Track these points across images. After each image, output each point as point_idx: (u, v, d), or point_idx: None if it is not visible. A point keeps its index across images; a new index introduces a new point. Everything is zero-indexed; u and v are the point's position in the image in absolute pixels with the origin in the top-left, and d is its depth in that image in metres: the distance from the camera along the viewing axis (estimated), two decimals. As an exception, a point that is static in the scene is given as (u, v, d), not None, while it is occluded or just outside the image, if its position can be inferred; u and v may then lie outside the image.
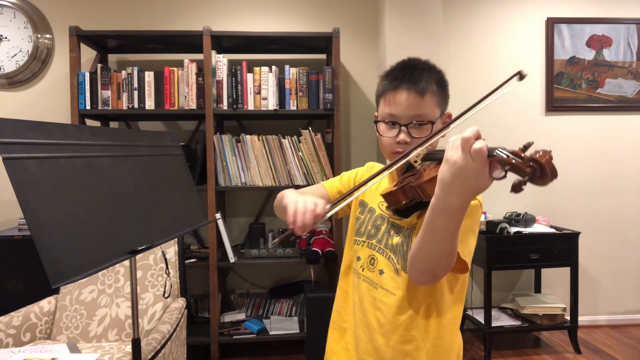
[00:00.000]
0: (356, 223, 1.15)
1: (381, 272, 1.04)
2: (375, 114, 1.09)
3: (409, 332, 1.01)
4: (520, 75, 0.85)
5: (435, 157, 0.88)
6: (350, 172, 1.24)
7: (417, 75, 0.99)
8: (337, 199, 0.93)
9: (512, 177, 0.69)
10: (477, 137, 0.71)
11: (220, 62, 2.74)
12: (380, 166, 1.14)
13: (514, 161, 0.65)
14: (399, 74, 1.01)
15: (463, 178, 0.73)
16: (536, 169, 0.63)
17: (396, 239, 1.03)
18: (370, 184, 0.93)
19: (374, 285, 1.05)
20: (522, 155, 0.66)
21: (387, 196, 0.94)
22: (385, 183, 1.12)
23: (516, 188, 0.64)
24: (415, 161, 0.91)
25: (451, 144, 0.74)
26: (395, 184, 0.94)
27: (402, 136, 0.99)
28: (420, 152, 0.90)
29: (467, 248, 0.93)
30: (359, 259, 1.10)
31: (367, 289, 1.06)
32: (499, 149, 0.69)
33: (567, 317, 2.95)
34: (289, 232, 0.89)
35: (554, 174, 0.62)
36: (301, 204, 0.87)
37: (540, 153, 0.63)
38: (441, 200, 0.78)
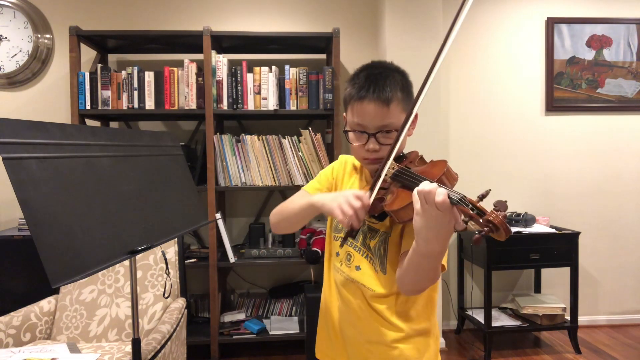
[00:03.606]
0: (334, 220, 1.20)
1: (358, 268, 1.10)
2: (344, 114, 1.11)
3: (390, 319, 1.07)
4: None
5: (402, 180, 0.95)
6: (326, 169, 1.27)
7: (381, 85, 1.01)
8: (371, 183, 0.98)
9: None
10: (435, 189, 0.77)
11: (220, 62, 2.74)
12: (351, 161, 1.22)
13: (472, 213, 0.73)
14: (364, 83, 1.03)
15: (437, 227, 0.80)
16: (492, 229, 0.71)
17: (373, 242, 1.09)
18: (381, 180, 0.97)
19: (352, 280, 1.11)
20: (481, 210, 0.73)
21: None
22: (355, 185, 1.17)
23: (477, 242, 0.73)
24: (387, 175, 0.97)
25: (416, 197, 0.81)
26: (369, 193, 0.98)
27: (371, 145, 1.03)
28: (391, 164, 0.97)
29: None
30: (337, 254, 1.16)
31: (346, 283, 1.12)
32: (458, 198, 0.76)
33: (567, 317, 2.95)
34: (348, 231, 0.96)
35: (508, 233, 0.70)
36: (346, 207, 0.92)
37: (494, 215, 0.71)
38: (422, 246, 0.85)
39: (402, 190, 0.93)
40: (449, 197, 0.76)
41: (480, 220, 0.72)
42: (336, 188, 1.21)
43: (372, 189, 0.96)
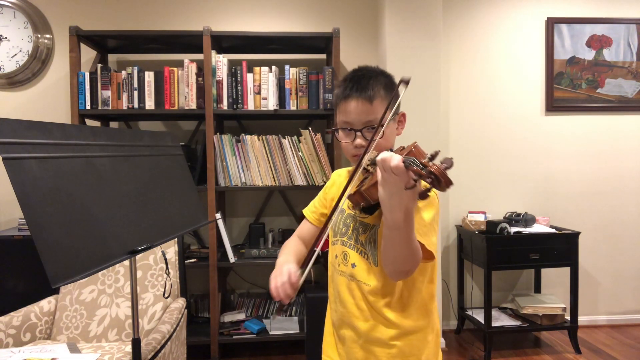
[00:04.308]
0: (334, 225, 1.23)
1: (353, 265, 1.13)
2: (335, 120, 1.17)
3: (387, 316, 1.09)
4: (405, 82, 0.98)
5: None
6: (321, 191, 1.34)
7: (364, 84, 1.08)
8: (305, 259, 1.04)
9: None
10: (391, 156, 0.83)
11: (220, 62, 2.74)
12: (345, 170, 1.31)
13: (422, 172, 0.78)
14: (348, 84, 1.10)
15: (397, 193, 0.84)
16: (434, 180, 0.76)
17: (364, 237, 1.12)
18: (346, 195, 1.02)
19: (349, 278, 1.14)
20: (427, 165, 0.78)
21: (350, 198, 1.04)
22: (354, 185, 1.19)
23: (422, 195, 0.78)
24: (368, 164, 1.02)
25: (378, 167, 0.86)
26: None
27: (358, 141, 1.08)
28: (369, 156, 1.01)
29: (430, 239, 1.02)
30: (336, 257, 1.19)
31: (344, 282, 1.15)
32: (411, 160, 0.81)
33: (567, 317, 2.95)
34: (279, 305, 1.03)
35: (448, 183, 0.75)
36: (279, 279, 1.00)
37: (436, 167, 0.76)
38: (388, 218, 0.89)
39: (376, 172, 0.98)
40: (403, 161, 0.82)
41: (424, 173, 0.77)
42: (332, 202, 1.26)
43: (350, 180, 1.01)
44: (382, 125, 1.01)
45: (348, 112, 1.08)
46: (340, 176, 1.29)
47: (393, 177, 0.82)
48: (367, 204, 1.02)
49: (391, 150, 1.10)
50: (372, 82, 1.08)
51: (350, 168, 1.27)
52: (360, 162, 1.00)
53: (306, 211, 1.32)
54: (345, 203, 1.18)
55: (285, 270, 1.00)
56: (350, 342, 1.13)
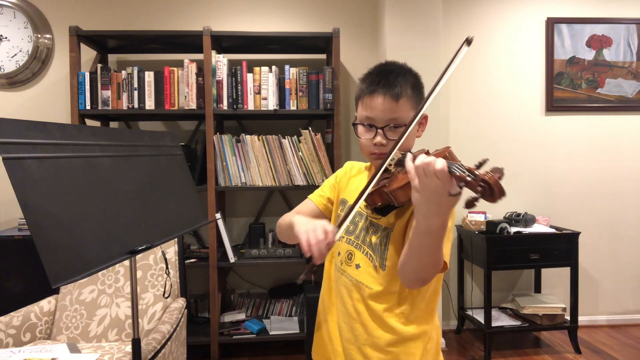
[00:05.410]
0: (337, 220, 1.19)
1: (357, 266, 1.10)
2: (355, 114, 1.13)
3: (386, 321, 1.06)
4: (468, 41, 0.92)
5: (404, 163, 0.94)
6: (331, 177, 1.29)
7: (392, 80, 1.04)
8: (341, 218, 0.98)
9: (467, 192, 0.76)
10: (434, 160, 0.78)
11: (220, 62, 2.74)
12: (359, 164, 1.24)
13: (468, 179, 0.73)
14: (375, 78, 1.05)
15: (436, 199, 0.80)
16: (486, 189, 0.71)
17: (374, 238, 1.08)
18: (367, 192, 0.97)
19: (352, 279, 1.10)
20: (476, 173, 0.73)
21: (366, 197, 1.00)
22: (363, 182, 1.16)
23: (469, 204, 0.72)
24: (390, 164, 0.97)
25: (413, 172, 0.81)
26: (372, 186, 0.99)
27: (379, 138, 1.04)
28: (394, 156, 0.96)
29: (445, 250, 0.98)
30: (339, 254, 1.15)
31: (345, 282, 1.12)
32: (456, 166, 0.76)
33: (567, 317, 2.95)
34: (310, 265, 0.94)
35: (501, 194, 0.70)
36: (312, 235, 0.90)
37: (490, 175, 0.71)
38: (422, 223, 0.84)
39: (404, 174, 0.93)
40: (447, 166, 0.77)
41: (475, 181, 0.73)
42: (339, 193, 1.22)
43: (369, 183, 0.97)
44: (411, 125, 0.96)
45: (372, 107, 1.04)
46: (353, 168, 1.24)
47: (435, 182, 0.78)
48: (385, 205, 0.97)
49: (410, 153, 1.06)
50: (401, 80, 1.04)
51: (364, 164, 1.23)
52: (384, 163, 0.95)
53: (312, 195, 1.26)
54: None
55: (320, 227, 0.90)
56: (346, 343, 1.11)
